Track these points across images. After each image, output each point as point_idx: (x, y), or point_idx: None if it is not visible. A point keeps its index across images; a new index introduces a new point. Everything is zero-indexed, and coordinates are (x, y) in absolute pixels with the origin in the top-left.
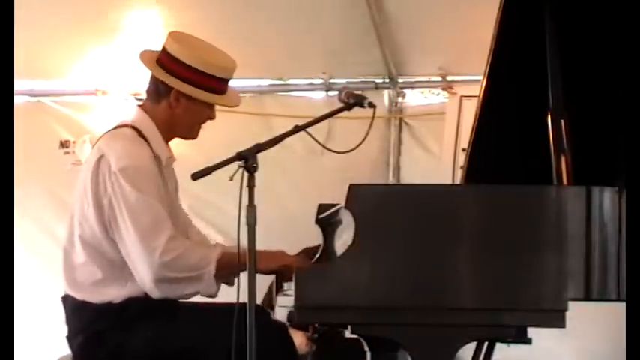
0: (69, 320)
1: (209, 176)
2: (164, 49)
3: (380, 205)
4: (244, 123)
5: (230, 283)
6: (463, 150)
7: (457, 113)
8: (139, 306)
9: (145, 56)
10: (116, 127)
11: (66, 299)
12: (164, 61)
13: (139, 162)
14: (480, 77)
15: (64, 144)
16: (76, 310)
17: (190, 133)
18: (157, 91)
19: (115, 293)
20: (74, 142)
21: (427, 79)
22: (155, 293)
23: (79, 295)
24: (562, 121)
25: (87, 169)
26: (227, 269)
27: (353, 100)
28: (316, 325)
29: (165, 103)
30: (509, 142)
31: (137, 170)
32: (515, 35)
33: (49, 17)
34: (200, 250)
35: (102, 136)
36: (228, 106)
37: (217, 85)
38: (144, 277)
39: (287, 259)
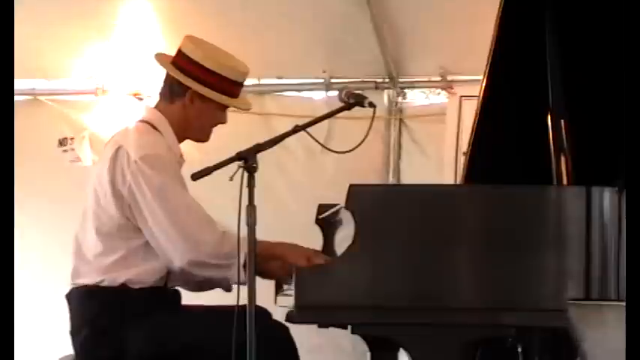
0: (73, 314)
1: (209, 176)
2: (180, 51)
3: (380, 205)
4: (244, 123)
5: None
6: (464, 154)
7: (457, 113)
8: (142, 300)
9: (161, 57)
10: (128, 125)
11: (71, 294)
12: (180, 62)
13: (158, 151)
14: (480, 77)
15: (62, 142)
16: (82, 302)
17: (202, 135)
18: (172, 91)
19: (120, 273)
20: (72, 139)
21: (427, 79)
22: (187, 272)
23: (88, 280)
24: (562, 121)
25: (103, 163)
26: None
27: (353, 100)
28: None
29: (180, 104)
30: (509, 142)
31: (158, 158)
32: (516, 35)
33: (48, 17)
34: (233, 239)
35: (115, 134)
36: (242, 109)
37: (231, 88)
38: (176, 260)
39: (317, 259)
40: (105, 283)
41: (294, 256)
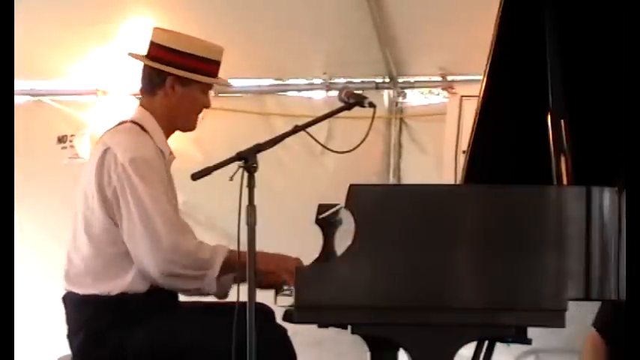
0: (69, 319)
1: (209, 176)
2: (151, 42)
3: (380, 205)
4: (244, 123)
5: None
6: (463, 152)
7: (457, 113)
8: (139, 303)
9: (135, 55)
10: (117, 125)
11: (66, 298)
12: (154, 52)
13: (146, 154)
14: (481, 77)
15: (61, 139)
16: (77, 306)
17: (188, 122)
18: (151, 83)
19: (114, 285)
20: (72, 136)
21: (427, 79)
22: (159, 283)
23: (81, 290)
24: (562, 121)
25: (91, 164)
26: (230, 271)
27: (353, 100)
28: None
29: (161, 94)
30: (509, 142)
31: (145, 162)
32: (516, 35)
33: (48, 18)
34: (207, 251)
35: (104, 133)
36: (223, 85)
37: (208, 67)
38: (150, 270)
39: (288, 271)
40: (100, 294)
41: (281, 271)
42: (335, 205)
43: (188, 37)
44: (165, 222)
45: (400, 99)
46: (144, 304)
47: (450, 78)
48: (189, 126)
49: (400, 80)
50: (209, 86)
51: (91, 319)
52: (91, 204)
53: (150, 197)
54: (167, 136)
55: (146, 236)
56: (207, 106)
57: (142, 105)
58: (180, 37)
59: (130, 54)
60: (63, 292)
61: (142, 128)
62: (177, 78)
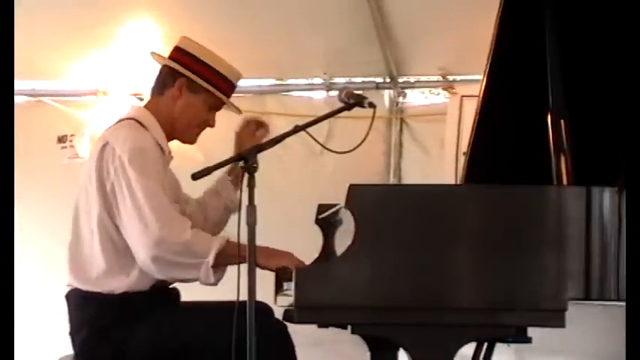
0: (72, 315)
1: (209, 176)
2: (176, 47)
3: (380, 205)
4: None
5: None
6: (464, 154)
7: (458, 113)
8: (142, 301)
9: (157, 55)
10: (116, 122)
11: (70, 295)
12: (175, 55)
13: (143, 144)
14: (481, 77)
15: (61, 139)
16: (80, 304)
17: (187, 133)
18: (162, 83)
19: (117, 283)
20: (72, 136)
21: (428, 79)
22: (152, 270)
23: (85, 287)
24: (562, 121)
25: (91, 160)
26: (226, 261)
27: (353, 100)
28: None
29: (169, 95)
30: (509, 142)
31: (142, 152)
32: (516, 35)
33: (49, 21)
34: (203, 240)
35: (104, 131)
36: (232, 110)
37: (223, 85)
38: (142, 258)
39: (286, 261)
40: (104, 293)
41: (266, 260)
42: (335, 205)
43: (212, 52)
44: (157, 210)
45: (401, 99)
46: (147, 302)
47: (450, 78)
48: (186, 137)
49: (400, 80)
50: (217, 105)
51: (94, 317)
52: (91, 200)
53: (143, 187)
54: (167, 137)
55: (137, 225)
56: (210, 124)
57: (146, 106)
58: (205, 49)
59: (152, 53)
60: (63, 291)
61: (141, 124)
62: (188, 82)
